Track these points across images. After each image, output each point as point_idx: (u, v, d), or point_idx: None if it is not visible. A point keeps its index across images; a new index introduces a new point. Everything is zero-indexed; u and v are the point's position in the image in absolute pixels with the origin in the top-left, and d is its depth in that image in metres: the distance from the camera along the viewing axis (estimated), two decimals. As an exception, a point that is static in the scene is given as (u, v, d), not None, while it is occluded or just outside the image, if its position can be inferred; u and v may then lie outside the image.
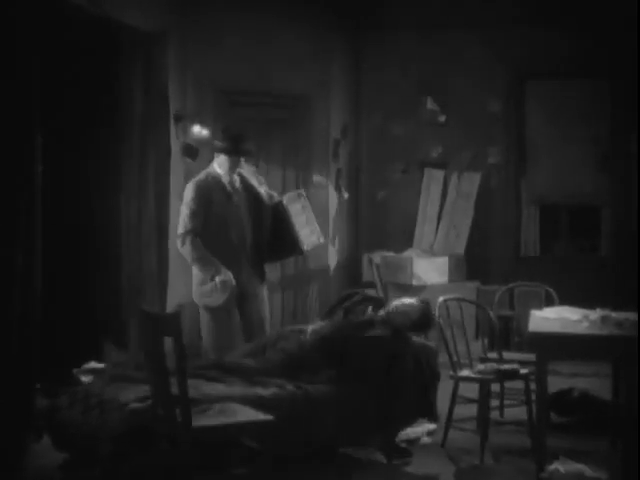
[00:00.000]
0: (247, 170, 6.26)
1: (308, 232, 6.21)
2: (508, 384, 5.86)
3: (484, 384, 5.48)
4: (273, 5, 7.93)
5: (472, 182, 8.82)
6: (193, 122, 7.49)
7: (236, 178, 6.07)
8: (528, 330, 5.09)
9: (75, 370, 6.07)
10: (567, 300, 5.95)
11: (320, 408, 4.99)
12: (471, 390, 5.83)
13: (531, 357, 5.27)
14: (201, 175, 6.06)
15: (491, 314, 6.00)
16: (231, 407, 4.49)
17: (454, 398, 5.58)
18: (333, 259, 8.64)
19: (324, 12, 8.36)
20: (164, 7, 7.21)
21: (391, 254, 8.59)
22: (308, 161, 8.41)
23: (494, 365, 5.52)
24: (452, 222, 8.83)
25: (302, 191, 6.49)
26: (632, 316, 5.03)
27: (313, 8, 8.20)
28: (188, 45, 7.53)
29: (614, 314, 5.09)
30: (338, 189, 8.70)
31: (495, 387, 5.77)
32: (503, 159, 8.85)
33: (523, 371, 5.50)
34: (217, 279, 5.82)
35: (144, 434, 4.38)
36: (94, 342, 6.58)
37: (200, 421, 4.23)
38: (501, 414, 6.10)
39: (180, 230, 5.93)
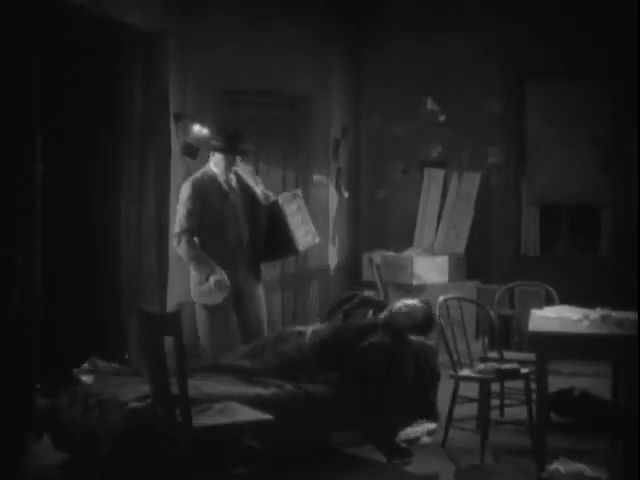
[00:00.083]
0: (244, 170, 6.25)
1: (303, 232, 6.21)
2: (508, 384, 5.86)
3: (484, 384, 5.48)
4: (273, 5, 7.94)
5: (472, 182, 8.82)
6: (193, 121, 7.49)
7: (232, 177, 6.07)
8: (528, 329, 5.09)
9: (75, 370, 6.07)
10: (567, 300, 5.95)
11: (320, 408, 4.99)
12: (471, 390, 5.82)
13: (531, 357, 5.27)
14: (197, 174, 6.06)
15: (491, 313, 6.00)
16: (231, 406, 4.49)
17: (454, 398, 5.58)
18: (333, 259, 8.64)
19: (324, 12, 8.36)
20: (164, 7, 7.21)
21: (391, 254, 8.59)
22: (308, 161, 8.42)
23: (494, 365, 5.52)
24: (452, 222, 8.83)
25: (298, 191, 6.48)
26: (632, 316, 5.03)
27: (313, 8, 8.20)
28: (188, 45, 7.53)
29: (614, 313, 5.08)
30: (338, 189, 8.70)
31: (495, 387, 5.76)
32: (503, 159, 8.85)
33: (523, 371, 5.50)
34: (212, 279, 5.83)
35: (144, 434, 4.38)
36: (94, 342, 6.58)
37: (200, 421, 4.23)
38: (501, 414, 6.10)
39: (176, 229, 5.94)
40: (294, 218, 6.16)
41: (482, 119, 8.80)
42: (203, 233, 5.92)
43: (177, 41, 7.34)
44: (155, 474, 4.34)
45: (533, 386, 5.13)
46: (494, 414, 5.89)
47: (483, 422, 5.46)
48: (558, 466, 4.62)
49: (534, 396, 5.11)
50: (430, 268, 8.34)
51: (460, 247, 8.74)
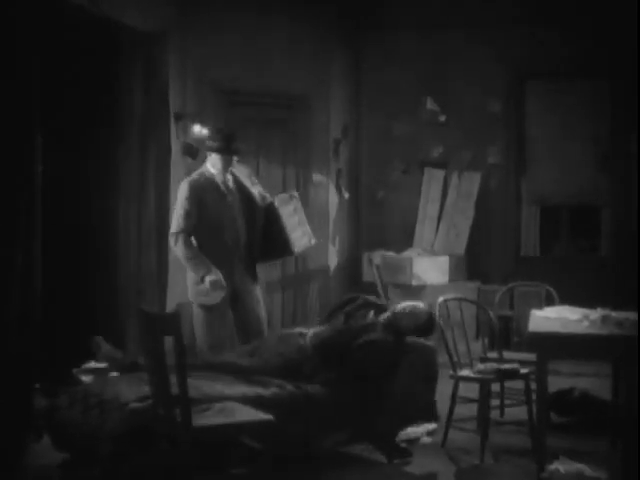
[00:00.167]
0: (241, 171, 6.26)
1: (300, 234, 6.22)
2: (508, 384, 5.86)
3: (484, 384, 5.48)
4: (273, 5, 7.94)
5: (472, 182, 8.82)
6: (193, 122, 7.49)
7: (229, 178, 6.08)
8: (528, 330, 5.09)
9: (75, 370, 6.07)
10: (567, 300, 5.95)
11: (320, 408, 4.99)
12: (471, 390, 5.83)
13: (531, 357, 5.27)
14: (194, 175, 6.07)
15: (491, 314, 6.00)
16: (231, 406, 4.48)
17: (454, 398, 5.58)
18: (333, 259, 8.64)
19: (324, 12, 8.36)
20: (164, 7, 7.21)
21: (391, 254, 8.58)
22: (308, 161, 8.42)
23: (494, 365, 5.52)
24: (452, 222, 8.83)
25: (294, 193, 6.48)
26: (632, 316, 5.03)
27: (313, 8, 8.20)
28: (188, 45, 7.53)
29: (614, 314, 5.08)
30: (338, 189, 8.70)
31: (495, 387, 5.76)
32: (503, 159, 8.85)
33: (523, 371, 5.50)
34: (207, 279, 5.83)
35: (144, 434, 4.38)
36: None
37: (200, 421, 4.23)
38: (501, 414, 6.10)
39: (173, 229, 5.94)
40: (291, 220, 6.17)
41: (482, 119, 8.80)
42: (200, 233, 5.92)
43: (177, 41, 7.34)
44: (155, 474, 4.34)
45: (533, 386, 5.12)
46: (494, 414, 5.89)
47: (483, 422, 5.46)
48: (558, 466, 4.62)
49: (534, 396, 5.11)
50: (430, 268, 8.33)
51: (460, 247, 8.74)
